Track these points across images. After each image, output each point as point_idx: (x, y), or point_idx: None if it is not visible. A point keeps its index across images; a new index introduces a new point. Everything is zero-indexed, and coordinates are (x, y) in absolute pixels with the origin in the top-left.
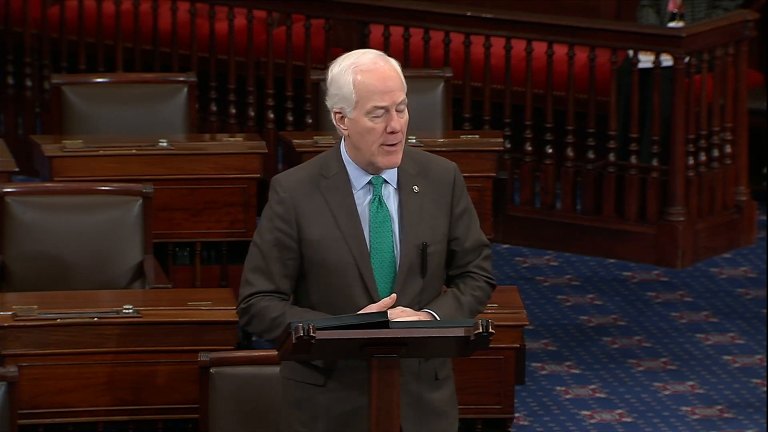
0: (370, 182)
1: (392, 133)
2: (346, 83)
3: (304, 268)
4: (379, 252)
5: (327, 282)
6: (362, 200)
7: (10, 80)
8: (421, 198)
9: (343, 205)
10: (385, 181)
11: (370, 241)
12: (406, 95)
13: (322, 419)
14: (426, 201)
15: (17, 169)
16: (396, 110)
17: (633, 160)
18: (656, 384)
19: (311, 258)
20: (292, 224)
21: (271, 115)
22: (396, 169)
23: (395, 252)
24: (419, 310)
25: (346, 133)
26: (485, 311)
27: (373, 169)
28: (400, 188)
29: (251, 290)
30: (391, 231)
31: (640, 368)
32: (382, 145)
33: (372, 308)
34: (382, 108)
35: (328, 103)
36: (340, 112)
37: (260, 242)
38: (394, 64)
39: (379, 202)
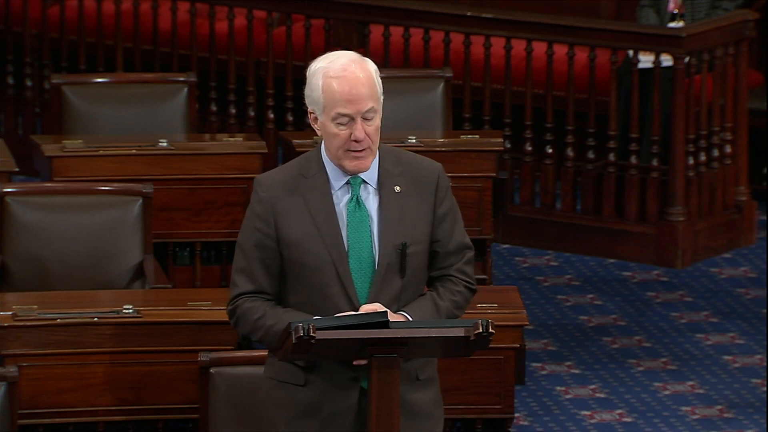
0: (348, 182)
1: (356, 141)
2: (316, 86)
3: (284, 268)
4: (358, 252)
5: (305, 282)
6: (340, 200)
7: (10, 80)
8: (403, 198)
9: (321, 205)
10: (364, 182)
11: (348, 241)
12: (381, 100)
13: (304, 419)
14: (408, 201)
15: (17, 169)
16: (363, 118)
17: (633, 160)
18: (656, 384)
19: (290, 258)
20: (270, 224)
21: (271, 115)
22: (377, 168)
23: (374, 252)
24: (397, 310)
25: (319, 134)
26: (485, 311)
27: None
28: (380, 188)
29: (236, 291)
30: (370, 231)
31: (640, 368)
32: (347, 150)
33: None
34: (345, 116)
35: (306, 101)
36: (313, 113)
37: (242, 243)
38: (370, 69)
39: (357, 202)
